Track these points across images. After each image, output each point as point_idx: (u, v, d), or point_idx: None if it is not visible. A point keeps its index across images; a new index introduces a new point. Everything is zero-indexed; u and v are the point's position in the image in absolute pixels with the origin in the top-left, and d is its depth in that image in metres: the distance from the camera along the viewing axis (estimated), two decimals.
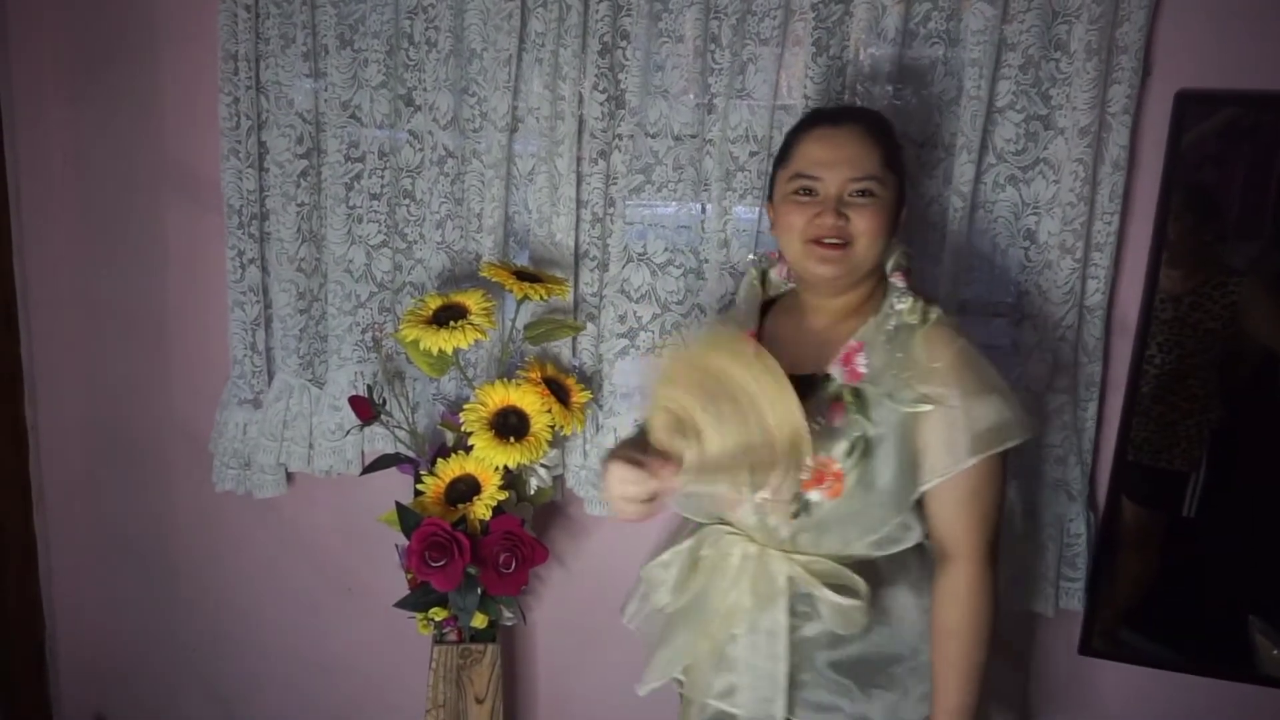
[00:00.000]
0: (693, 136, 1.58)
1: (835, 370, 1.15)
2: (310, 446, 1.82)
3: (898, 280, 1.19)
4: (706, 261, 1.60)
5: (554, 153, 1.60)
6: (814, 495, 1.14)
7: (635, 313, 1.65)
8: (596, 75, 1.57)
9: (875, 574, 1.19)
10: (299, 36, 1.67)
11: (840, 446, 1.12)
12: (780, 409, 1.07)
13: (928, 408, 1.11)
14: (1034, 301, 1.50)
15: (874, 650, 1.20)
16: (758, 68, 1.54)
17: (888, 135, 1.23)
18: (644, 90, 1.57)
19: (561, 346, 1.66)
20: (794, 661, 1.19)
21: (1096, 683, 1.64)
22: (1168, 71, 1.42)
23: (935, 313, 1.17)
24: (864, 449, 1.12)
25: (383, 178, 1.72)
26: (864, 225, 1.15)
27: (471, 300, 1.47)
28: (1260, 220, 1.49)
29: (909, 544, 1.19)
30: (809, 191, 1.19)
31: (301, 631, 2.01)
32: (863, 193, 1.17)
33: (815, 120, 1.25)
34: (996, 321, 1.54)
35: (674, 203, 1.61)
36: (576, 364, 1.68)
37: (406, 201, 1.72)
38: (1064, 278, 1.46)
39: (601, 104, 1.58)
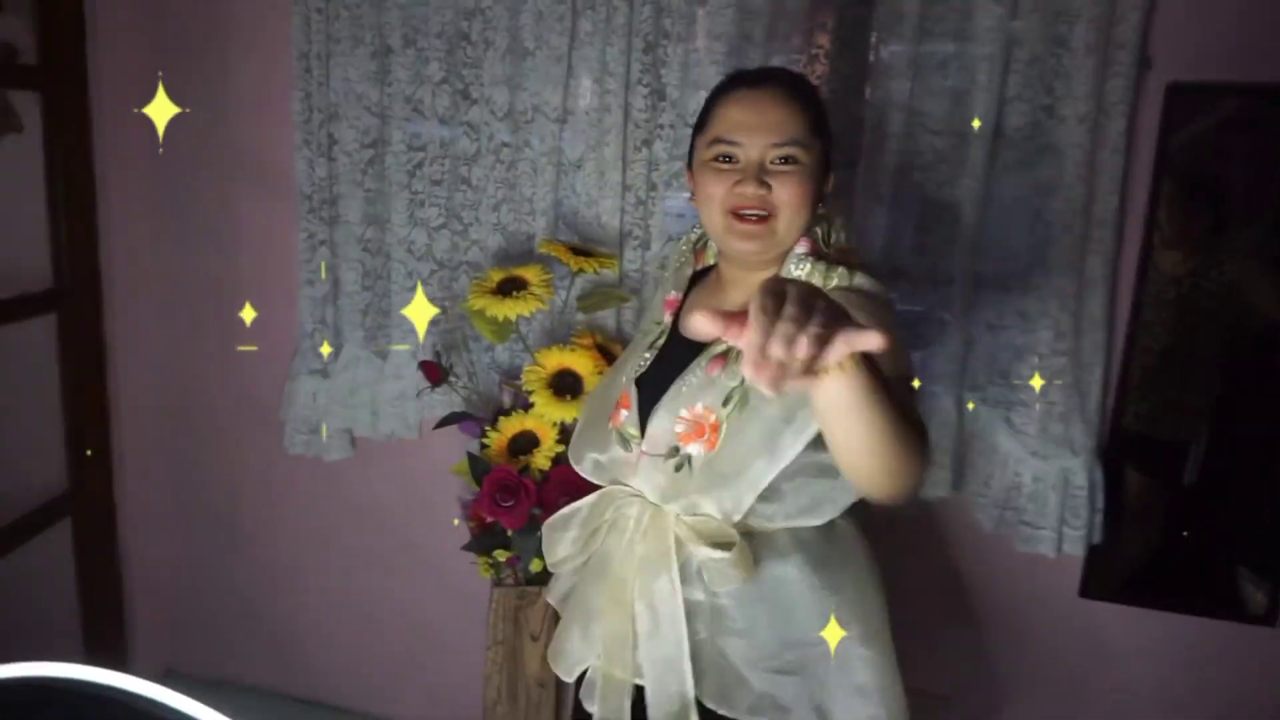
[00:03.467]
0: None
1: None
2: (374, 413, 1.99)
3: (800, 247, 1.13)
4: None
5: (601, 142, 1.76)
6: (692, 448, 1.10)
7: None
8: (640, 71, 1.72)
9: (773, 546, 1.14)
10: (366, 36, 1.84)
11: (717, 398, 1.09)
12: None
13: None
14: (1040, 274, 1.65)
15: (768, 629, 1.13)
16: (786, 63, 1.70)
17: (812, 98, 1.15)
18: (683, 84, 1.73)
19: (608, 317, 1.82)
20: (696, 631, 1.13)
21: (1095, 623, 1.79)
22: (1165, 64, 1.56)
23: (838, 278, 1.09)
24: (740, 399, 1.08)
25: (443, 165, 1.88)
26: (786, 195, 1.08)
27: (531, 273, 1.63)
28: (1260, 207, 1.64)
29: (817, 520, 1.14)
30: (729, 158, 1.11)
31: (361, 588, 2.17)
32: (785, 159, 1.09)
33: (736, 82, 1.16)
34: (1007, 293, 1.69)
35: None
36: (621, 333, 1.84)
37: (464, 188, 1.88)
38: (1066, 252, 1.61)
39: (645, 97, 1.73)
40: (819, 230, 1.16)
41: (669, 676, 1.12)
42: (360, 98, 1.86)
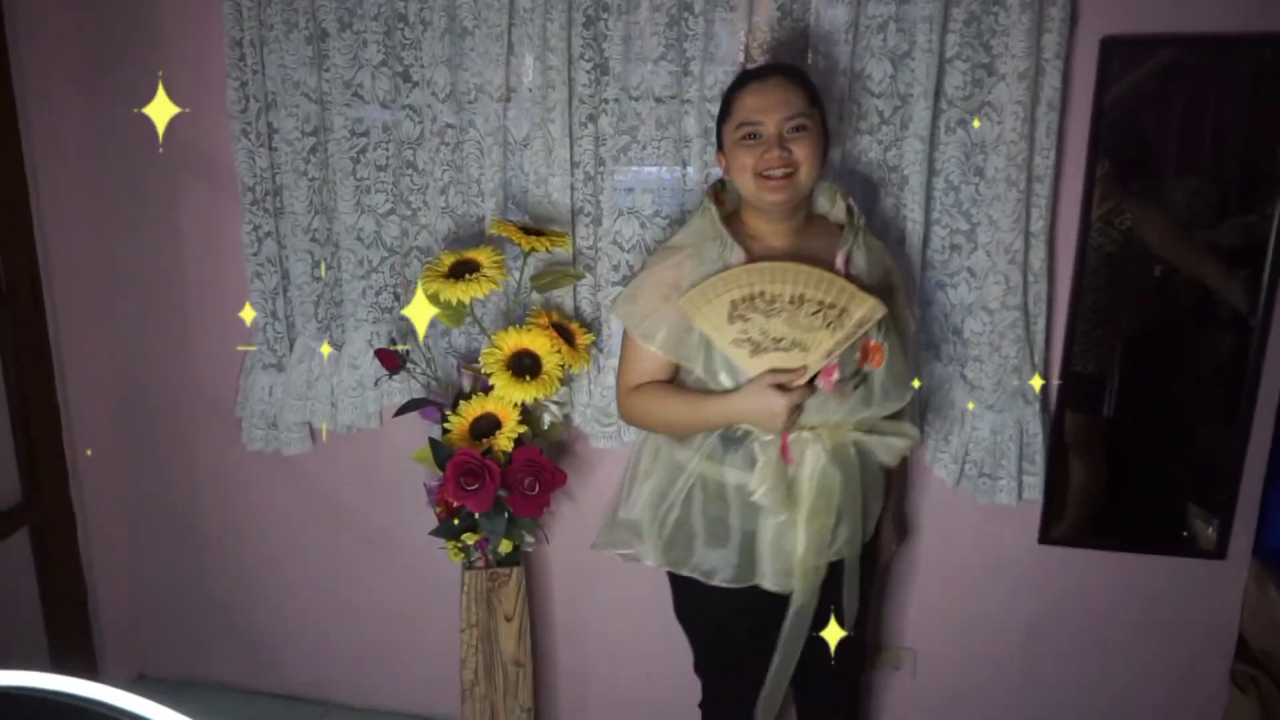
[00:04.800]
0: (672, 98, 1.73)
1: (843, 273, 1.41)
2: (333, 405, 1.97)
3: (852, 202, 1.49)
4: (690, 212, 1.75)
5: (546, 119, 1.75)
6: (866, 368, 1.41)
7: (628, 262, 1.81)
8: (582, 45, 1.71)
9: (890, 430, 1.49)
10: (301, 21, 1.80)
11: (872, 327, 1.38)
12: (859, 301, 1.35)
13: (899, 294, 1.51)
14: (987, 231, 1.68)
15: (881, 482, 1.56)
16: (728, 32, 1.69)
17: (807, 80, 1.46)
18: (626, 57, 1.72)
19: (563, 296, 1.82)
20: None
21: (1055, 567, 1.84)
22: (1100, 18, 1.58)
23: (880, 249, 1.51)
24: (888, 326, 1.42)
25: (387, 150, 1.85)
26: (803, 154, 1.39)
27: (483, 255, 1.62)
28: (1194, 156, 1.69)
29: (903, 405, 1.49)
30: (754, 135, 1.40)
31: (331, 579, 2.16)
32: (797, 128, 1.39)
33: (746, 79, 1.46)
34: (955, 251, 1.72)
35: (659, 160, 1.77)
36: (577, 311, 1.84)
37: (410, 172, 1.86)
38: (1011, 208, 1.63)
39: (588, 72, 1.72)
40: (834, 192, 1.51)
41: (855, 541, 1.48)
42: (298, 84, 1.83)
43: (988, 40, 1.61)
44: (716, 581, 1.47)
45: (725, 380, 1.41)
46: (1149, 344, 1.79)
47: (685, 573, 1.49)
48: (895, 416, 1.51)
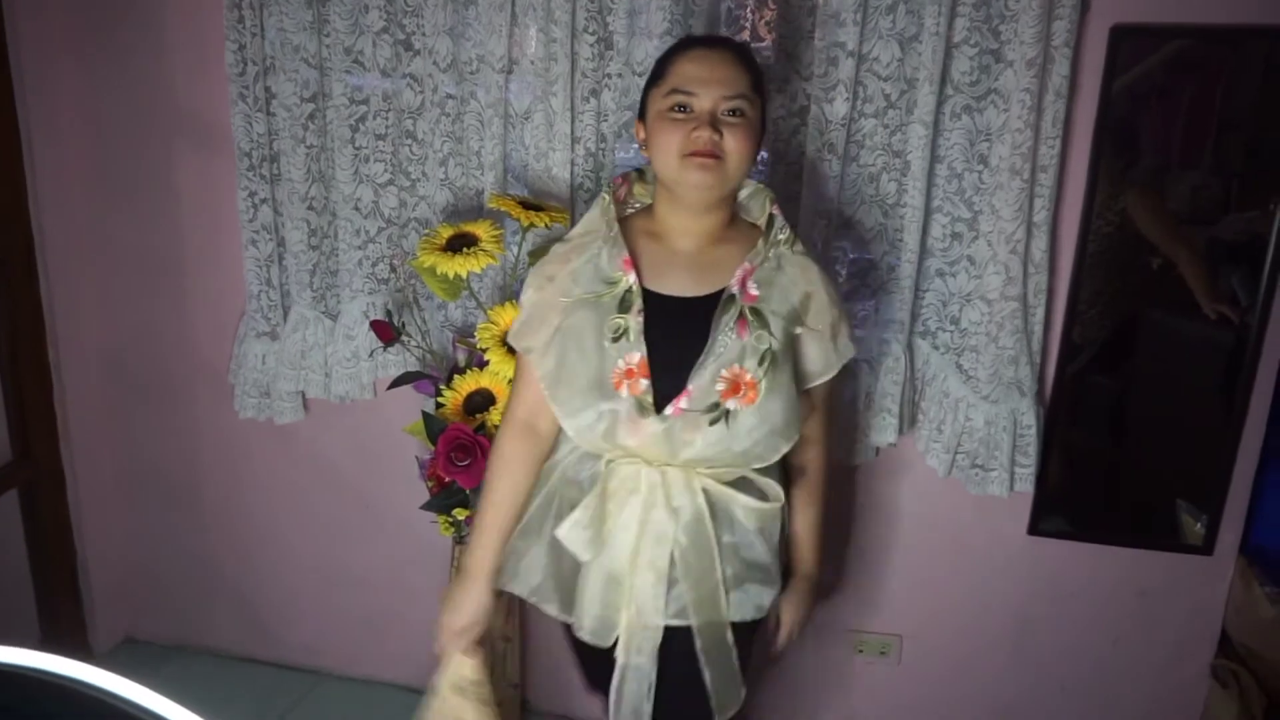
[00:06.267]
0: None
1: (735, 291, 1.24)
2: (327, 374, 1.96)
3: (777, 211, 1.31)
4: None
5: (548, 92, 1.73)
6: (731, 404, 1.21)
7: None
8: (586, 18, 1.69)
9: (753, 488, 1.30)
10: None
11: (751, 359, 1.22)
12: None
13: (813, 329, 1.29)
14: (989, 220, 1.67)
15: (766, 551, 1.32)
16: (735, 9, 1.67)
17: (754, 63, 1.30)
18: (630, 32, 1.69)
19: None
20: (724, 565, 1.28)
21: (1043, 560, 1.85)
22: (1110, 6, 1.56)
23: (796, 242, 1.31)
24: (772, 360, 1.22)
25: (386, 119, 1.83)
26: (735, 144, 1.22)
27: (481, 229, 1.61)
28: (1170, 145, 1.69)
29: (773, 459, 1.28)
30: (684, 108, 1.23)
31: (322, 548, 2.16)
32: (734, 111, 1.23)
33: (690, 43, 1.31)
34: (956, 240, 1.71)
35: None
36: None
37: (409, 142, 1.84)
38: (1014, 197, 1.62)
39: (591, 45, 1.70)
40: (771, 195, 1.33)
41: (705, 608, 1.27)
42: (297, 49, 1.80)
43: (996, 26, 1.59)
44: (544, 609, 1.34)
45: (572, 380, 1.26)
46: (1143, 338, 1.79)
47: (513, 589, 1.36)
48: (766, 471, 1.30)
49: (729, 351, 1.22)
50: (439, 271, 1.55)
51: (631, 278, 1.26)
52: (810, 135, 1.66)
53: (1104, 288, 1.73)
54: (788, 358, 1.26)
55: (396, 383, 1.75)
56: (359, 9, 1.77)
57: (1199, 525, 1.80)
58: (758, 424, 1.22)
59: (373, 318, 1.84)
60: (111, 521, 2.24)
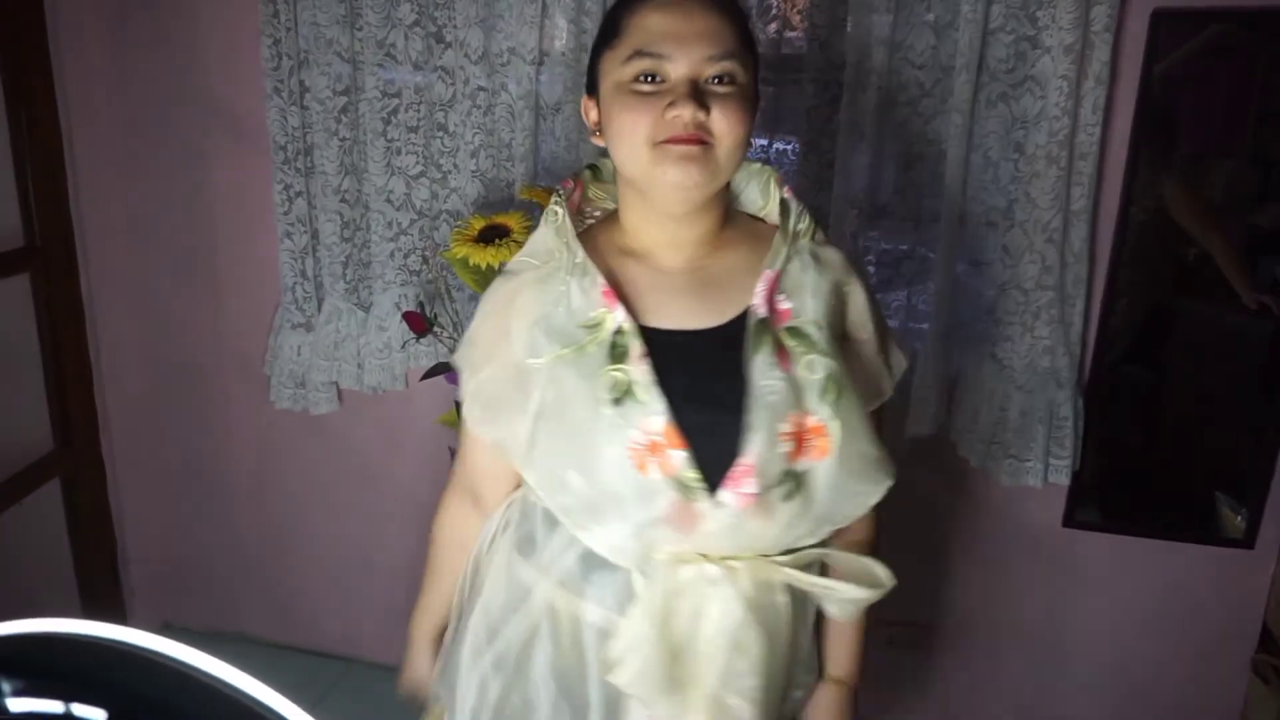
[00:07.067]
0: None
1: (762, 313, 0.90)
2: (360, 365, 1.98)
3: (790, 194, 0.97)
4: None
5: (579, 85, 1.72)
6: (802, 465, 0.87)
7: None
8: None
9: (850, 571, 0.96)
10: None
11: (811, 396, 0.87)
12: None
13: (857, 339, 0.96)
14: (1024, 209, 1.65)
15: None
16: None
17: (739, 10, 0.93)
18: None
19: None
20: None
21: (1078, 552, 1.83)
22: None
23: (818, 230, 0.98)
24: (838, 385, 0.88)
25: (418, 112, 1.84)
26: (726, 123, 0.86)
27: (513, 220, 1.61)
28: (1209, 132, 1.65)
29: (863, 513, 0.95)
30: (653, 77, 0.87)
31: (354, 538, 2.19)
32: (721, 78, 0.87)
33: None
34: (991, 229, 1.69)
35: None
36: None
37: (441, 134, 1.84)
38: (1051, 185, 1.60)
39: None
40: (766, 178, 1.01)
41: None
42: (331, 43, 1.82)
43: (1033, 11, 1.56)
44: None
45: (574, 480, 0.89)
46: (1179, 328, 1.76)
47: None
48: (849, 538, 0.99)
49: (779, 396, 0.86)
50: (471, 262, 1.56)
51: (619, 313, 0.89)
52: (843, 124, 1.65)
53: (1138, 277, 1.70)
54: (846, 371, 0.90)
55: (429, 374, 1.76)
56: (391, 3, 1.78)
57: (1239, 518, 1.77)
58: (838, 474, 0.88)
59: (405, 309, 1.85)
60: (150, 510, 2.28)
